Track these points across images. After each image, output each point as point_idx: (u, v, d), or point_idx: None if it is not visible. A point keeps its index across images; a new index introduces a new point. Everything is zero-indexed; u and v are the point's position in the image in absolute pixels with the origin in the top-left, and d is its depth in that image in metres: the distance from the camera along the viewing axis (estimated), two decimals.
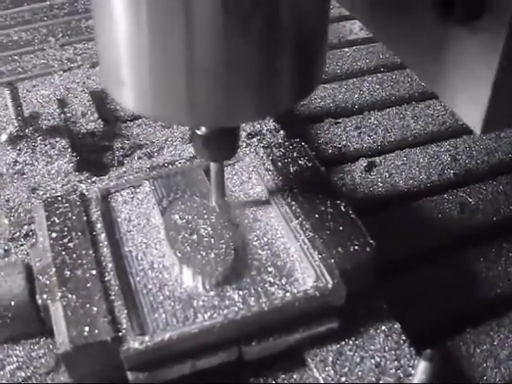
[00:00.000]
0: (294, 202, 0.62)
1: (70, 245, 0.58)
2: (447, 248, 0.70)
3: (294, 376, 0.55)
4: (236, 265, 0.58)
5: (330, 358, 0.54)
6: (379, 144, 0.84)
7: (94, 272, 0.55)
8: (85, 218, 0.61)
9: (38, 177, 0.73)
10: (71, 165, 0.74)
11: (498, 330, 0.61)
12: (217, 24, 0.42)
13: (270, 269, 0.58)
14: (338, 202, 0.62)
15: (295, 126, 0.84)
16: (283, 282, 0.57)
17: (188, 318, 0.54)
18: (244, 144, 0.73)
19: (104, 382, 0.53)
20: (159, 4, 0.42)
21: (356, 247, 0.58)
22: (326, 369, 0.54)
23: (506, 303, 0.64)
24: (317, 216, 0.61)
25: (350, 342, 0.55)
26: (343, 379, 0.53)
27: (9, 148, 0.76)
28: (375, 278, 0.59)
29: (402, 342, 0.55)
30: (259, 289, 0.56)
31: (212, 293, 0.56)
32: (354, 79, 0.97)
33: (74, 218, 0.61)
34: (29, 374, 0.56)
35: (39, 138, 0.77)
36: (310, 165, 0.66)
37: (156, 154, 0.79)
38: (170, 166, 0.68)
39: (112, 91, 0.51)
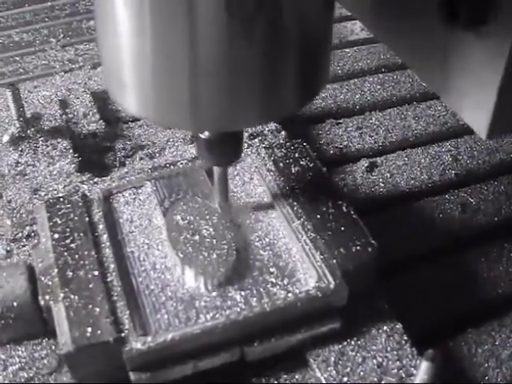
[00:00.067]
0: (295, 203, 0.62)
1: (72, 245, 0.58)
2: (449, 248, 0.70)
3: (296, 376, 0.55)
4: (238, 265, 0.58)
5: (332, 359, 0.54)
6: (380, 144, 0.84)
7: (96, 273, 0.55)
8: (87, 218, 0.61)
9: (40, 178, 0.73)
10: (73, 166, 0.74)
11: (499, 330, 0.61)
12: (220, 27, 0.42)
13: (271, 269, 0.58)
14: (340, 202, 0.62)
15: (297, 127, 0.84)
16: (285, 282, 0.57)
17: (190, 319, 0.54)
18: (246, 145, 0.73)
19: (106, 383, 0.53)
20: (162, 7, 0.42)
21: (358, 247, 0.58)
22: (328, 369, 0.54)
23: (508, 303, 0.64)
24: (318, 216, 0.61)
25: (352, 343, 0.55)
26: (345, 379, 0.53)
27: (11, 149, 0.76)
28: (377, 278, 0.59)
29: (403, 342, 0.55)
30: (261, 289, 0.56)
31: (214, 293, 0.56)
32: (355, 80, 0.97)
33: (76, 218, 0.61)
34: (31, 374, 0.56)
35: (41, 138, 0.77)
36: (311, 165, 0.66)
37: (158, 154, 0.79)
38: (172, 167, 0.68)
39: (114, 94, 0.51)
